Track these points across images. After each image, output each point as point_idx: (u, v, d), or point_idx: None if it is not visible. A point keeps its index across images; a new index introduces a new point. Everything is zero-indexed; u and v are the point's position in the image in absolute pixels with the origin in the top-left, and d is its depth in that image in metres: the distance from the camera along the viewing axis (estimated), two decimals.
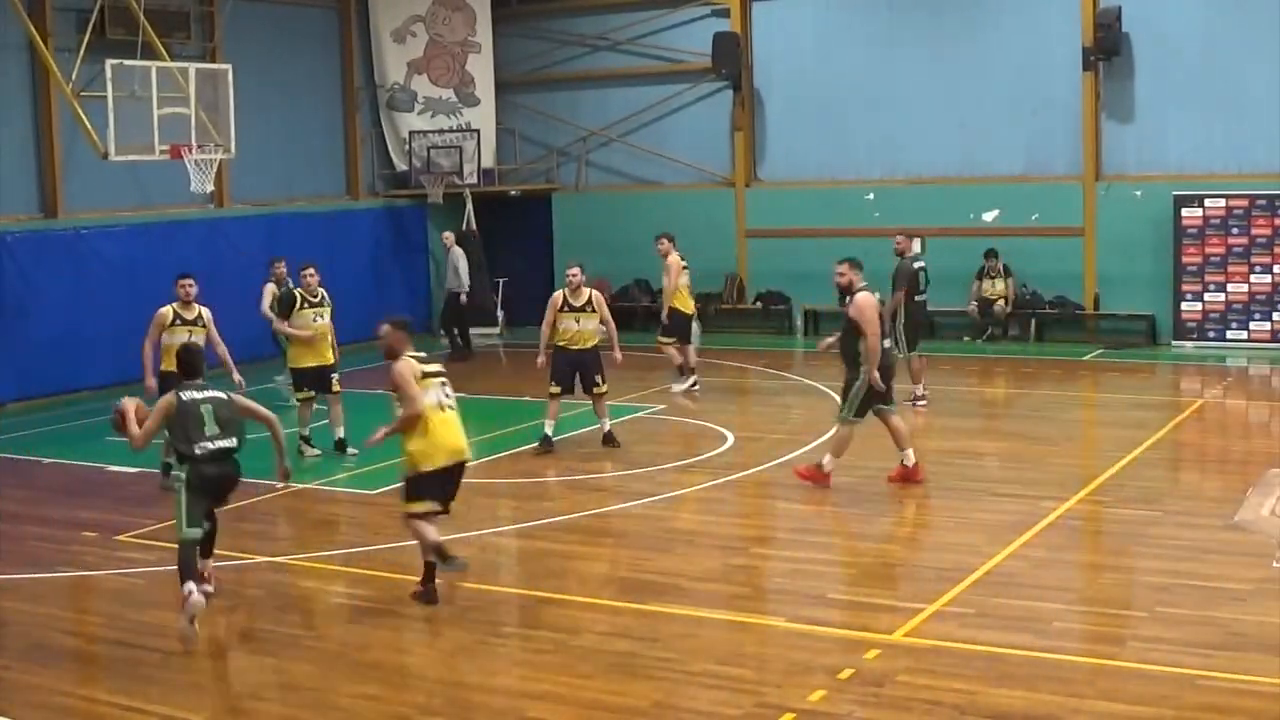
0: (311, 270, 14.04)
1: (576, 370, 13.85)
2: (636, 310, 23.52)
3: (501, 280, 23.99)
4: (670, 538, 10.65)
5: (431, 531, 8.99)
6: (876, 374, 11.50)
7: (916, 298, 15.92)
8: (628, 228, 23.30)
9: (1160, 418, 14.74)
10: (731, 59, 22.07)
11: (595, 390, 13.91)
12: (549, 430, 13.88)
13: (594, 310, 13.85)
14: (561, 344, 13.87)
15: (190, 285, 12.80)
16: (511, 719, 7.12)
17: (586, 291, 13.89)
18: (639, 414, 15.73)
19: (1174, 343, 19.75)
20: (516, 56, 24.46)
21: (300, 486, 12.62)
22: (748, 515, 11.60)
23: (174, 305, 12.74)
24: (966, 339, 20.84)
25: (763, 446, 13.55)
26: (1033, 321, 20.78)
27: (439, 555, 8.97)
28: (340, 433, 13.87)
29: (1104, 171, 20.47)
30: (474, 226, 23.22)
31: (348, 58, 23.53)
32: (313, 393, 13.88)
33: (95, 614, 9.39)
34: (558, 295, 13.97)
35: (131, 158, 16.71)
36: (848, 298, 11.90)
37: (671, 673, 7.59)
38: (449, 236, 21.54)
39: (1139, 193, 20.15)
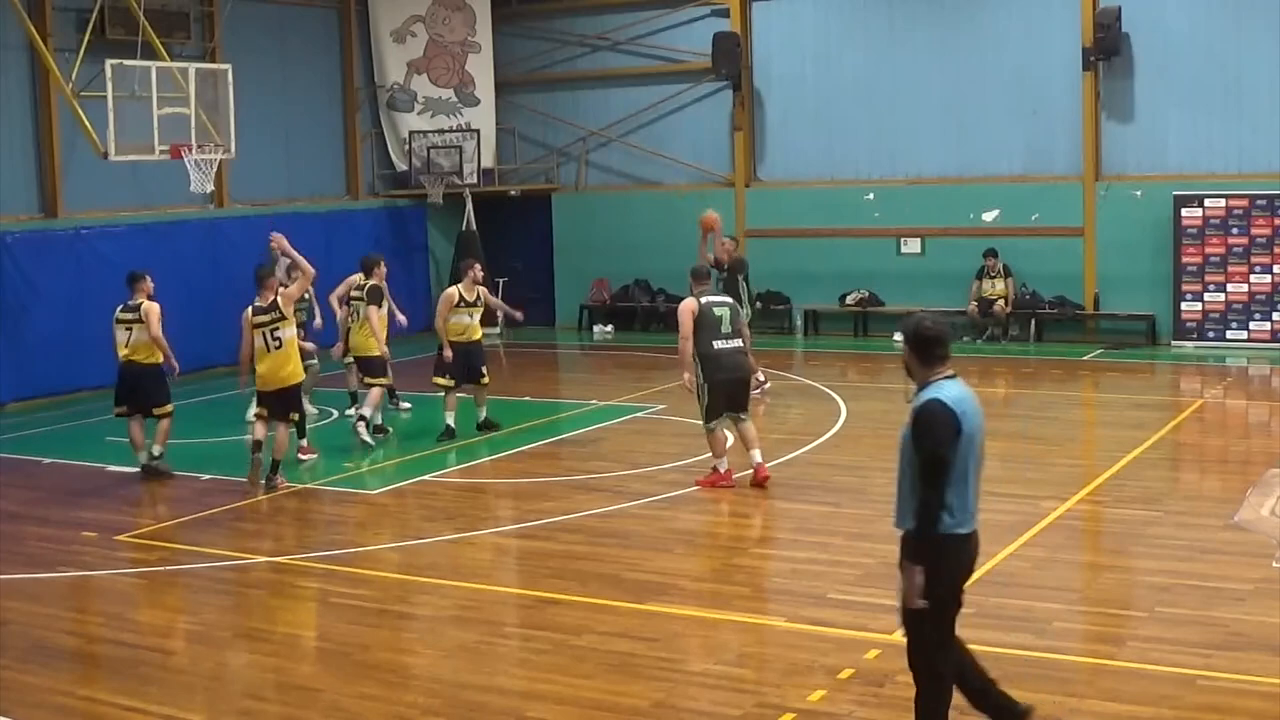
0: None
1: (468, 363, 14.48)
2: (637, 310, 23.55)
3: (501, 280, 23.98)
4: (670, 538, 10.65)
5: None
6: (685, 375, 11.85)
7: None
8: (628, 228, 23.33)
9: (1160, 418, 14.74)
10: (731, 59, 22.07)
11: (482, 381, 14.65)
12: (451, 421, 14.43)
13: (482, 304, 14.66)
14: (454, 339, 14.36)
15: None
16: (511, 719, 7.12)
17: (477, 288, 14.63)
18: (639, 414, 15.74)
19: (1174, 343, 19.76)
20: (516, 56, 24.47)
21: (300, 486, 12.63)
22: (748, 515, 11.60)
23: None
24: (966, 339, 20.82)
25: (763, 446, 13.53)
26: (1033, 321, 20.79)
27: None
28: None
29: (1104, 171, 20.48)
30: (474, 226, 23.23)
31: (348, 58, 23.53)
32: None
33: (95, 614, 9.39)
34: (453, 291, 14.50)
35: (131, 158, 16.72)
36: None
37: (671, 673, 7.59)
38: None
39: (1139, 193, 20.16)
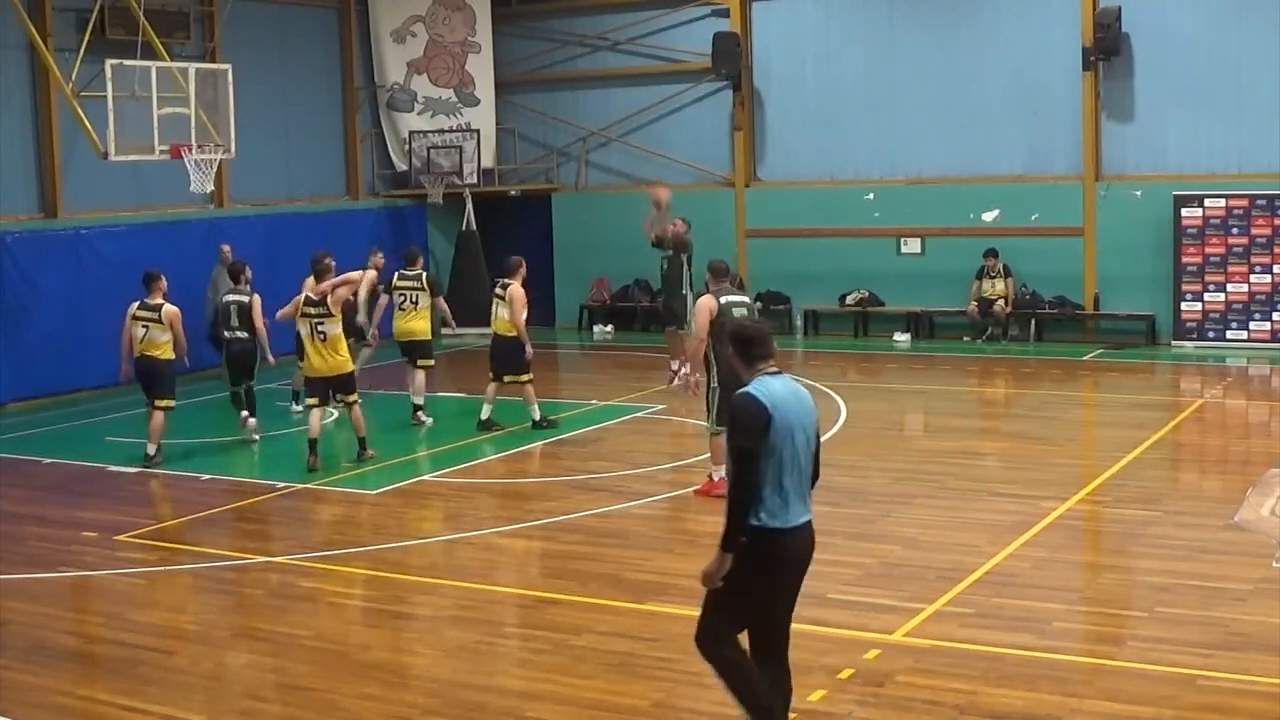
0: None
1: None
2: (637, 310, 23.54)
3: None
4: (670, 538, 10.65)
5: None
6: (694, 376, 11.44)
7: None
8: (628, 228, 23.28)
9: (1160, 418, 14.73)
10: (731, 59, 22.07)
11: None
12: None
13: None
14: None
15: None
16: (511, 719, 7.12)
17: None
18: (639, 414, 15.74)
19: (1174, 343, 19.75)
20: (516, 56, 24.46)
21: (300, 486, 12.63)
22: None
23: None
24: (966, 339, 20.85)
25: None
26: (1033, 321, 20.78)
27: None
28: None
29: (1104, 171, 20.47)
30: (474, 226, 23.24)
31: (348, 58, 23.53)
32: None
33: (95, 614, 9.39)
34: (522, 290, 14.79)
35: (131, 158, 16.71)
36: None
37: (671, 673, 7.59)
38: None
39: (1139, 193, 20.15)
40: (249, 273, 15.23)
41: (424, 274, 15.94)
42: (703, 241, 22.61)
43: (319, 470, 13.08)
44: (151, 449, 13.67)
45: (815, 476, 6.30)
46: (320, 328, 13.31)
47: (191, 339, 14.68)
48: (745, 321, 6.26)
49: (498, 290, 14.88)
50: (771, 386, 6.10)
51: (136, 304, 13.84)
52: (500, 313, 14.74)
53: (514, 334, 14.56)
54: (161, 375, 13.81)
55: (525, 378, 14.69)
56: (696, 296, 11.77)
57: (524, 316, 14.58)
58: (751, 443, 5.96)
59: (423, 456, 14.02)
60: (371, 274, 16.19)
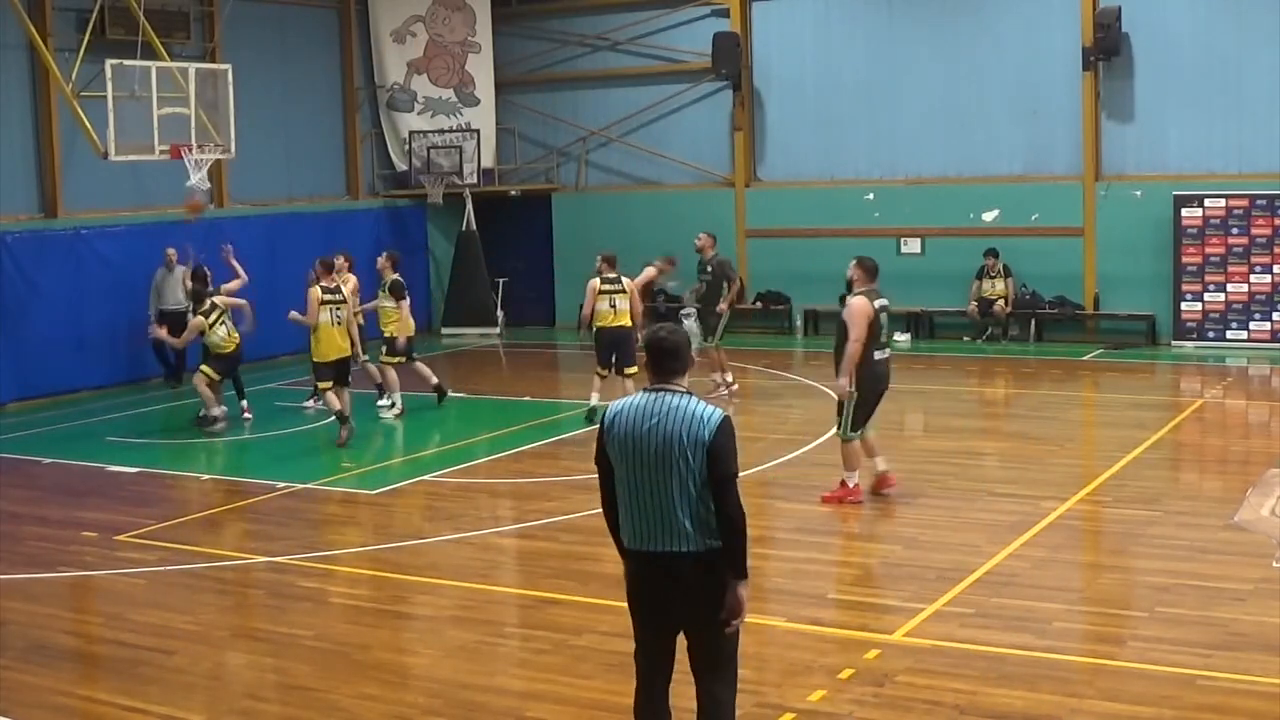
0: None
1: (615, 351, 15.33)
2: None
3: (501, 280, 24.00)
4: None
5: None
6: (842, 380, 10.94)
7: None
8: (628, 228, 23.31)
9: (1160, 418, 14.73)
10: (731, 59, 22.07)
11: (626, 372, 15.27)
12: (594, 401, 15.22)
13: (624, 288, 15.19)
14: (598, 325, 15.21)
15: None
16: (511, 719, 7.12)
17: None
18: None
19: (1174, 343, 19.75)
20: (516, 56, 24.47)
21: (300, 486, 12.63)
22: (747, 515, 11.59)
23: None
24: (966, 339, 20.85)
25: (763, 447, 13.55)
26: (1033, 321, 20.78)
27: None
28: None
29: (1104, 171, 20.47)
30: (474, 226, 23.24)
31: (348, 58, 23.53)
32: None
33: (95, 614, 9.39)
34: (595, 281, 15.24)
35: (131, 157, 16.71)
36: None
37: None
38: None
39: (1139, 193, 20.15)
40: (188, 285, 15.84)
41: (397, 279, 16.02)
42: None
43: (348, 446, 14.05)
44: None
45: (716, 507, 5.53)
46: (338, 313, 14.52)
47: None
48: (661, 332, 5.70)
49: (609, 287, 15.10)
50: (625, 402, 5.65)
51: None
52: (620, 305, 15.09)
53: (632, 325, 15.05)
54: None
55: (636, 370, 14.99)
56: (843, 299, 11.22)
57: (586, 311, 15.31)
58: (597, 457, 5.69)
59: (423, 456, 14.01)
60: (650, 272, 16.77)
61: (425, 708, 7.28)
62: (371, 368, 16.21)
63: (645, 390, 5.64)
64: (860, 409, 11.05)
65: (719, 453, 5.47)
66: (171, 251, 18.26)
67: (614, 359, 15.13)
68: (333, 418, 14.42)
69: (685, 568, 5.49)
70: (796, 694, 7.20)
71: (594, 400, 15.18)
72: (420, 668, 8.01)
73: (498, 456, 13.75)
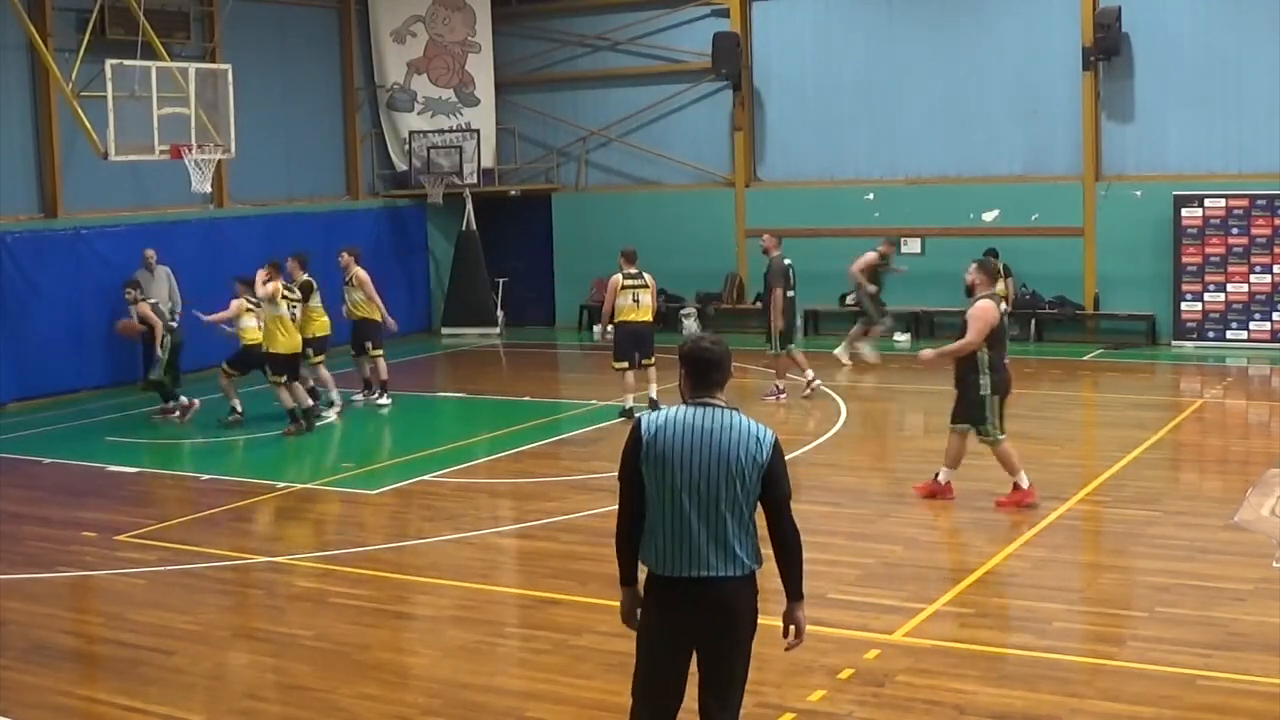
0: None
1: (636, 345, 15.62)
2: None
3: (502, 280, 23.99)
4: None
5: None
6: (932, 353, 10.96)
7: (788, 293, 16.33)
8: (628, 228, 23.28)
9: (1160, 418, 14.73)
10: (731, 59, 22.07)
11: (644, 364, 15.56)
12: (629, 403, 15.41)
13: (647, 284, 15.58)
14: (621, 320, 15.55)
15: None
16: (511, 719, 7.12)
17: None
18: (638, 414, 15.72)
19: (1174, 343, 19.75)
20: (516, 56, 24.46)
21: (300, 486, 12.63)
22: None
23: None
24: None
25: None
26: (1033, 321, 20.78)
27: None
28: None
29: (1104, 171, 20.47)
30: (474, 226, 23.24)
31: (348, 58, 23.52)
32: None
33: (95, 614, 9.39)
34: (617, 276, 15.66)
35: (131, 158, 16.70)
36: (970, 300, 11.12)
37: None
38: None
39: (1139, 193, 20.15)
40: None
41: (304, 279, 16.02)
42: (703, 242, 22.74)
43: (295, 437, 14.62)
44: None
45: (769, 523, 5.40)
46: (295, 310, 15.15)
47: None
48: (704, 341, 5.40)
49: (631, 281, 15.39)
50: (670, 414, 5.29)
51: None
52: (643, 300, 15.36)
53: (653, 321, 15.57)
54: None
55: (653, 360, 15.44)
56: (972, 302, 10.97)
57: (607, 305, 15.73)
58: (623, 471, 5.32)
59: (423, 456, 14.00)
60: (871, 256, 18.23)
61: (425, 708, 7.28)
62: (323, 372, 16.15)
63: (688, 404, 5.28)
64: (1003, 411, 11.01)
65: (777, 473, 5.29)
66: (150, 252, 18.22)
67: (635, 354, 15.31)
68: (333, 418, 14.46)
69: (731, 592, 5.21)
70: (796, 694, 7.20)
71: (629, 401, 15.27)
72: (420, 668, 8.01)
73: (498, 456, 13.75)
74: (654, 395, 15.31)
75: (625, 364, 15.33)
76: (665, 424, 5.22)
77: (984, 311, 10.71)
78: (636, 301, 15.32)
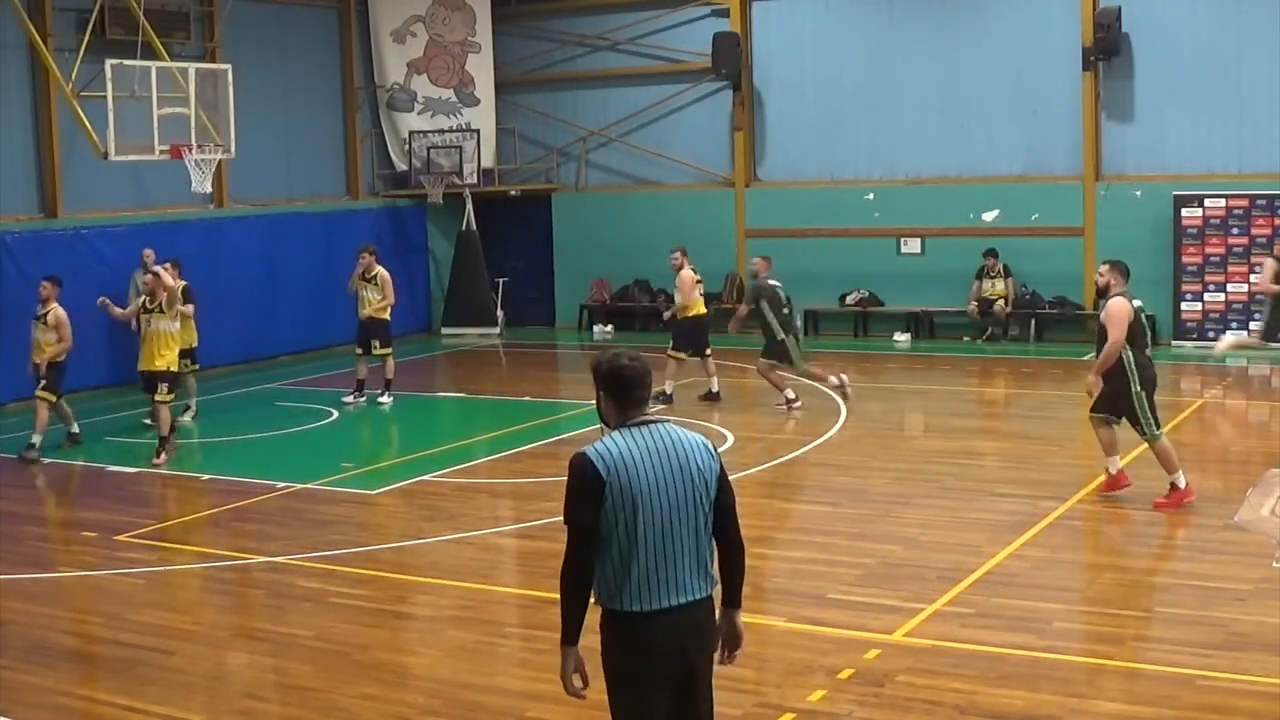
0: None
1: (700, 337, 16.29)
2: (636, 310, 23.54)
3: (502, 280, 24.00)
4: None
5: None
6: (1093, 377, 10.98)
7: (783, 311, 15.93)
8: (628, 228, 23.33)
9: (1160, 418, 14.68)
10: (731, 59, 22.07)
11: (706, 353, 16.28)
12: (668, 388, 15.78)
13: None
14: (695, 314, 16.28)
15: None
16: (511, 719, 7.12)
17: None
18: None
19: (1174, 343, 19.75)
20: (516, 56, 24.47)
21: (300, 486, 12.63)
22: (748, 515, 11.49)
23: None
24: (966, 339, 20.85)
25: (763, 447, 13.56)
26: (1033, 321, 20.79)
27: None
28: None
29: (1104, 171, 20.47)
30: (474, 226, 23.24)
31: (348, 58, 23.52)
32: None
33: (95, 614, 9.38)
34: (690, 273, 16.39)
35: (131, 158, 16.69)
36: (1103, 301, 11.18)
37: None
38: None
39: (1139, 193, 20.15)
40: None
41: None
42: (703, 242, 22.70)
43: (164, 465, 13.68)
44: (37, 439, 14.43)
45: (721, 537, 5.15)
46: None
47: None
48: (623, 359, 5.08)
49: (700, 277, 16.38)
50: (619, 444, 4.97)
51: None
52: (695, 293, 16.27)
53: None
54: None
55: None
56: (1102, 294, 11.17)
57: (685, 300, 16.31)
58: (582, 513, 4.90)
59: (423, 456, 14.00)
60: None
61: (425, 708, 7.29)
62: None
63: (628, 427, 5.01)
64: (1152, 405, 11.01)
65: (725, 479, 5.11)
66: (148, 252, 18.17)
67: (699, 345, 16.15)
68: (331, 417, 14.41)
69: (707, 611, 5.02)
70: (796, 694, 7.21)
71: (668, 386, 15.85)
72: (420, 668, 8.01)
73: (498, 456, 13.75)
74: (715, 388, 16.21)
75: (685, 354, 16.14)
76: (621, 457, 4.92)
77: (1119, 309, 10.73)
78: (702, 296, 16.37)
